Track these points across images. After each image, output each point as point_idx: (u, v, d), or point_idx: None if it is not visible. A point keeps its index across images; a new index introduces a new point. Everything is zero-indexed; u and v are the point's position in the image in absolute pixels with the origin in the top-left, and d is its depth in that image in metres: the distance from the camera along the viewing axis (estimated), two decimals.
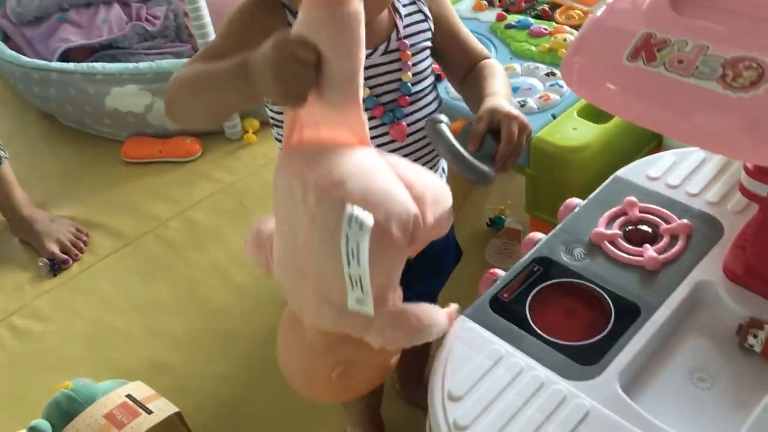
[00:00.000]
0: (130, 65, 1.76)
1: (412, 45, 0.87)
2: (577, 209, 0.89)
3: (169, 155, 1.82)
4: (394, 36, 0.86)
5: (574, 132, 1.10)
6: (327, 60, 0.58)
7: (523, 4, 1.41)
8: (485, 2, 1.42)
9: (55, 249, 1.58)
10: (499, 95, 0.82)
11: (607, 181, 0.92)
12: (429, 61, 0.90)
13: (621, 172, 0.93)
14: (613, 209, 0.86)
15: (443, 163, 0.97)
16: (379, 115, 0.86)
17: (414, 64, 0.87)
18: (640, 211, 0.86)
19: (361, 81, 0.61)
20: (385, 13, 0.86)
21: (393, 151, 0.85)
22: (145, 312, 1.47)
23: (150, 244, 1.62)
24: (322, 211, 0.60)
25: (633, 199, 0.86)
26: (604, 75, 0.58)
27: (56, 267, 1.57)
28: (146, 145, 1.84)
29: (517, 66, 1.25)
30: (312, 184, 0.60)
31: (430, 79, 0.91)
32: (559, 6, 1.40)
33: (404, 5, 0.88)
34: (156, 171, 1.81)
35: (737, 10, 0.55)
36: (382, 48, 0.85)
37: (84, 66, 1.78)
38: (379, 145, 0.83)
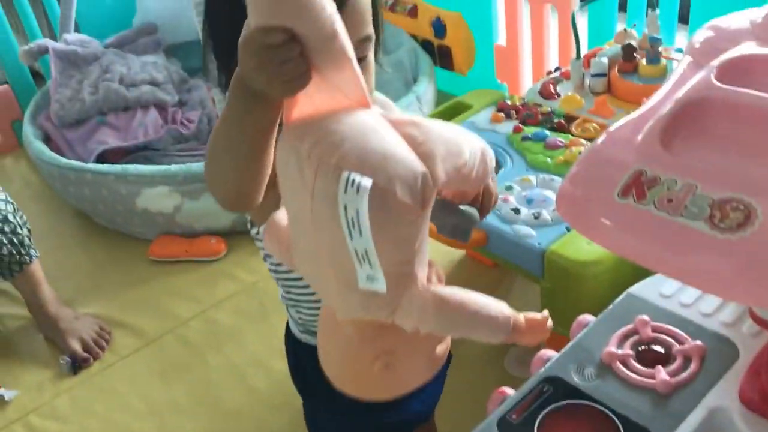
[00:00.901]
0: (162, 167, 1.83)
1: None
2: (588, 326, 0.88)
3: (194, 255, 1.85)
4: None
5: (587, 246, 1.10)
6: (297, 29, 0.54)
7: (540, 116, 1.44)
8: (502, 114, 1.46)
9: (77, 347, 1.60)
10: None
11: (620, 298, 0.91)
12: None
13: (634, 289, 0.92)
14: (625, 328, 0.85)
15: None
16: None
17: None
18: (653, 330, 0.84)
19: (345, 36, 0.55)
20: None
21: None
22: (161, 414, 1.47)
23: (170, 344, 1.63)
24: (320, 182, 0.54)
25: (645, 317, 0.85)
26: (596, 210, 0.59)
27: (77, 365, 1.59)
28: (173, 244, 1.88)
29: (533, 177, 1.27)
30: (306, 155, 0.55)
31: None
32: (575, 119, 1.43)
33: None
34: (182, 270, 1.84)
35: (726, 147, 0.55)
36: None
37: (117, 168, 1.84)
38: None
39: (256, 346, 1.59)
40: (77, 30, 2.45)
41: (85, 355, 1.60)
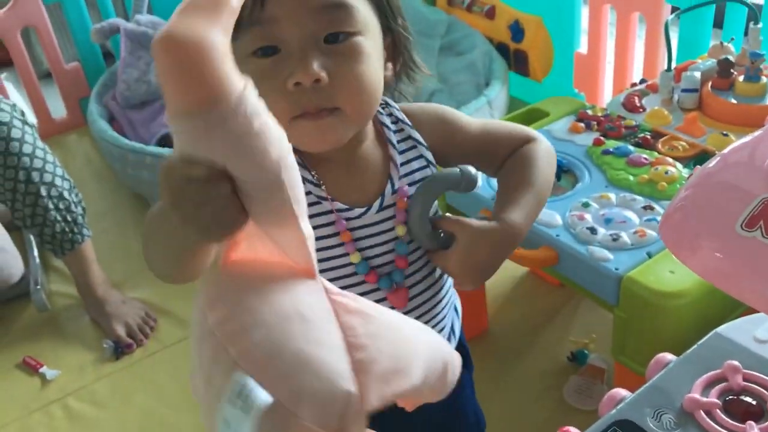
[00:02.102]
0: None
1: (408, 185, 0.76)
2: (668, 367, 0.79)
3: None
4: (389, 189, 0.75)
5: (670, 275, 1.00)
6: (231, 168, 0.43)
7: (623, 130, 1.33)
8: (582, 125, 1.36)
9: (121, 332, 1.57)
10: (510, 213, 0.75)
11: (706, 338, 0.82)
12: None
13: (722, 329, 0.83)
14: (712, 372, 0.76)
15: (450, 321, 0.84)
16: (373, 282, 0.75)
17: None
18: (744, 379, 0.75)
19: (296, 189, 0.45)
20: (377, 155, 0.76)
21: None
22: (197, 408, 1.42)
23: None
24: (215, 369, 0.43)
25: (736, 363, 0.76)
26: (710, 241, 0.50)
27: (120, 350, 1.56)
28: None
29: (613, 195, 1.17)
30: (209, 329, 0.44)
31: None
32: (663, 135, 1.31)
33: (397, 140, 0.77)
34: None
35: None
36: (376, 205, 0.74)
37: None
38: None
39: None
40: (150, 11, 2.45)
41: (129, 340, 1.56)
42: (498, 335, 1.49)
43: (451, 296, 0.85)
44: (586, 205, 1.15)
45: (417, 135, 0.78)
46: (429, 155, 0.78)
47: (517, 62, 2.22)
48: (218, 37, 0.42)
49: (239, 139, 0.42)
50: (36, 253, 1.77)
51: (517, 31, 2.14)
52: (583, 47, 2.06)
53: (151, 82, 2.10)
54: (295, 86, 0.65)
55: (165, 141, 1.98)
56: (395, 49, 0.75)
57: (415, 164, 0.77)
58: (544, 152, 0.80)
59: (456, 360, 0.54)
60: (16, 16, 2.26)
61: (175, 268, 0.56)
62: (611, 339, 1.10)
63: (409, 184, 0.76)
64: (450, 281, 0.84)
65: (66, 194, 1.54)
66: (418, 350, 0.48)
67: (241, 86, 0.43)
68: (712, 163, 0.54)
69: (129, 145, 1.89)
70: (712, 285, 1.01)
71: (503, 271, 1.51)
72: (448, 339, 0.85)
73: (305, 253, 0.46)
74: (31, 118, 1.82)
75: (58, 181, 1.52)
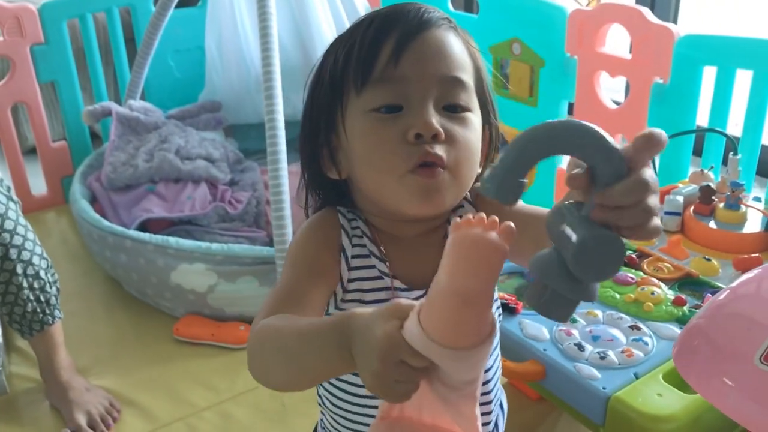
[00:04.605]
0: (203, 244, 1.77)
1: None
2: None
3: (220, 340, 1.76)
4: None
5: (658, 398, 0.99)
6: (444, 370, 0.49)
7: None
8: None
9: (82, 421, 1.50)
10: None
11: None
12: None
13: None
14: None
15: (495, 418, 0.84)
16: None
17: None
18: None
19: (481, 377, 0.51)
20: (439, 234, 0.77)
21: None
22: None
23: None
24: None
25: None
26: (727, 370, 0.50)
27: None
28: (200, 325, 1.80)
29: (599, 312, 1.17)
30: None
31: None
32: (648, 256, 1.34)
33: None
34: (204, 354, 1.74)
35: None
36: None
37: (158, 238, 1.79)
38: None
39: None
40: (143, 97, 2.48)
41: (89, 431, 1.49)
42: None
43: (497, 392, 0.84)
44: (573, 321, 1.15)
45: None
46: None
47: None
48: None
49: (474, 366, 0.49)
50: (0, 331, 1.71)
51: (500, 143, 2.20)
52: (564, 164, 2.12)
53: (137, 166, 2.10)
54: (416, 138, 0.68)
55: (145, 227, 1.96)
56: (489, 143, 0.79)
57: None
58: None
59: None
60: (8, 92, 2.27)
61: (303, 384, 0.63)
62: None
63: None
64: (499, 374, 0.83)
65: (42, 273, 1.50)
66: None
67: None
68: (722, 295, 0.55)
69: (109, 227, 1.86)
70: (700, 411, 1.01)
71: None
72: None
73: (474, 426, 0.51)
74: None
75: (35, 260, 1.49)
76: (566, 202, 0.52)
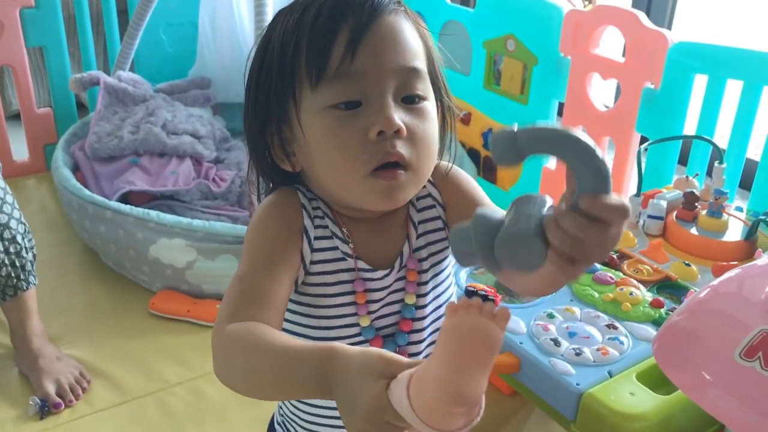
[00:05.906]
0: (184, 220, 1.75)
1: (429, 256, 0.77)
2: None
3: (196, 316, 1.75)
4: (406, 249, 0.76)
5: (630, 397, 1.00)
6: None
7: None
8: None
9: (51, 390, 1.48)
10: None
11: None
12: (446, 270, 0.79)
13: None
14: None
15: None
16: (378, 347, 0.74)
17: (424, 282, 0.76)
18: None
19: None
20: (399, 213, 0.76)
21: None
22: None
23: (149, 406, 1.51)
24: None
25: None
26: (707, 367, 0.50)
27: (46, 409, 1.46)
28: (176, 301, 1.78)
29: (577, 310, 1.18)
30: None
31: (445, 295, 0.79)
32: (628, 257, 1.34)
33: (420, 208, 0.78)
34: (179, 330, 1.73)
35: None
36: (396, 266, 0.75)
37: (139, 211, 1.77)
38: None
39: (240, 429, 1.46)
40: (132, 69, 2.45)
41: (58, 400, 1.47)
42: None
43: None
44: (551, 316, 1.16)
45: (437, 193, 0.78)
46: (444, 215, 0.78)
47: (486, 169, 2.26)
48: None
49: None
50: None
51: (489, 139, 2.20)
52: (551, 164, 2.12)
53: (122, 138, 2.08)
54: (378, 135, 0.67)
55: (126, 199, 1.94)
56: (443, 123, 0.78)
57: (430, 225, 0.77)
58: None
59: None
60: None
61: (270, 399, 0.66)
62: None
63: (425, 245, 0.76)
64: None
65: (19, 238, 1.48)
66: None
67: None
68: (702, 293, 0.55)
69: (90, 197, 1.84)
70: (671, 412, 1.02)
71: None
72: None
73: None
74: None
75: (13, 224, 1.47)
76: (547, 196, 0.54)
